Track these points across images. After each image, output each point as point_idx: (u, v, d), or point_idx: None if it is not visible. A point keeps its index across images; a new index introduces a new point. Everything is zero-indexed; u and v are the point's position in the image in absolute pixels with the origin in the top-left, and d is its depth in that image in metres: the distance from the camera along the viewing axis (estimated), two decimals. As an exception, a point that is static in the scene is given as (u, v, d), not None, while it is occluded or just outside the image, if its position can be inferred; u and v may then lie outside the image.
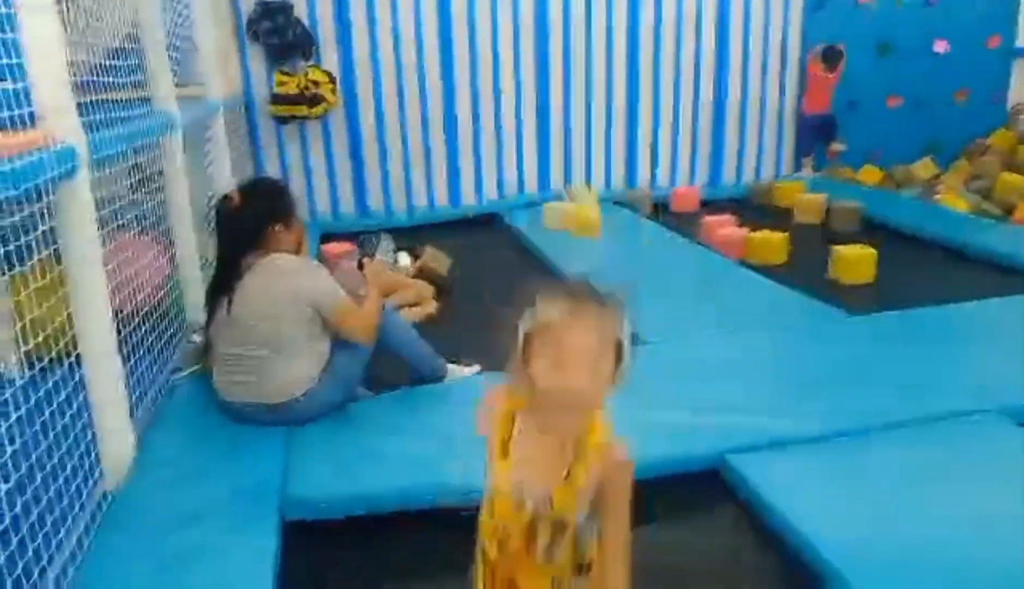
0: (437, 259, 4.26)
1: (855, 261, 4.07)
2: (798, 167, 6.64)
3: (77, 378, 2.06)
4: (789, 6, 6.31)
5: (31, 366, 1.93)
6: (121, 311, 2.44)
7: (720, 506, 2.20)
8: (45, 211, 1.92)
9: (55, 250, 2.00)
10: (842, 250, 4.15)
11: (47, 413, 1.88)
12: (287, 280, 2.43)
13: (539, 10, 5.85)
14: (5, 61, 1.84)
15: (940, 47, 6.60)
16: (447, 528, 2.07)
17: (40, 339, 1.94)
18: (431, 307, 3.81)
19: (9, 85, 1.86)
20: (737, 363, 2.92)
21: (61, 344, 2.03)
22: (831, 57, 6.17)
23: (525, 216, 5.63)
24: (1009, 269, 4.14)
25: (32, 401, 1.81)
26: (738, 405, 2.55)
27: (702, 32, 6.12)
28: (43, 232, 1.91)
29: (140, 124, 2.78)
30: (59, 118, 1.97)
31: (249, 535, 1.93)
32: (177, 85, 3.36)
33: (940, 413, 2.45)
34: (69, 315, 2.07)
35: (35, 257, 1.89)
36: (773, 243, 4.47)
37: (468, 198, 6.12)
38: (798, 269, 4.29)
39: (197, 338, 2.91)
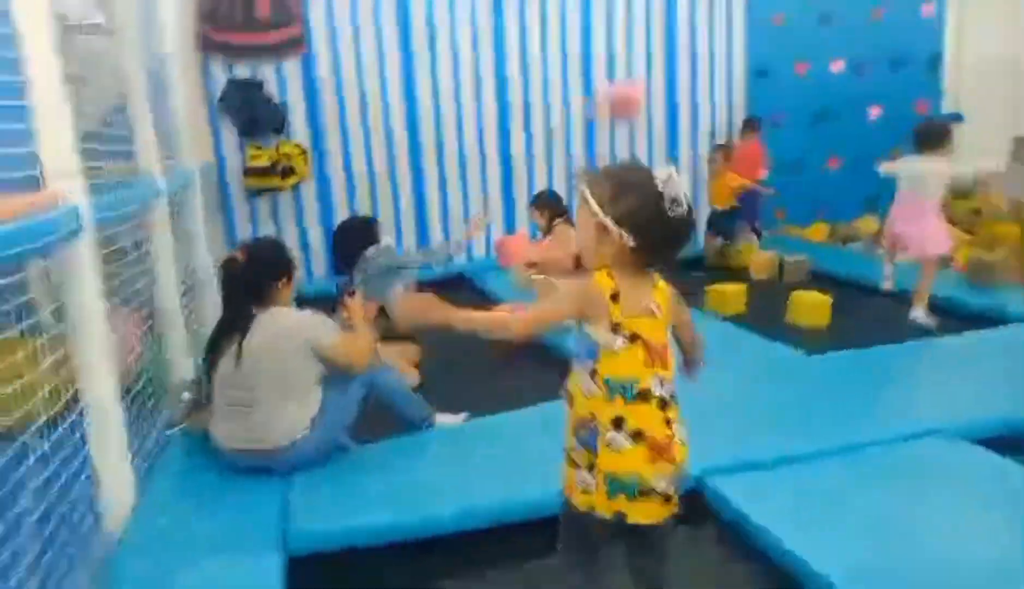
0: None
1: (811, 305, 4.31)
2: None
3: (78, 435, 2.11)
4: (733, 76, 6.80)
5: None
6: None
7: (703, 525, 2.33)
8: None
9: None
10: (799, 294, 4.39)
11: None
12: (293, 327, 2.62)
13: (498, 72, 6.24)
14: (14, 126, 1.97)
15: (874, 113, 7.12)
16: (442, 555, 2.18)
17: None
18: (413, 373, 3.79)
19: (16, 149, 1.98)
20: (709, 399, 3.08)
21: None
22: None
23: (496, 278, 5.60)
24: (944, 310, 4.38)
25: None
26: (716, 434, 2.69)
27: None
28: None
29: (131, 191, 2.89)
30: (65, 180, 2.08)
31: (255, 567, 2.00)
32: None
33: (898, 436, 2.63)
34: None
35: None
36: (733, 294, 4.70)
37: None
38: (757, 317, 4.52)
39: (187, 395, 2.97)
